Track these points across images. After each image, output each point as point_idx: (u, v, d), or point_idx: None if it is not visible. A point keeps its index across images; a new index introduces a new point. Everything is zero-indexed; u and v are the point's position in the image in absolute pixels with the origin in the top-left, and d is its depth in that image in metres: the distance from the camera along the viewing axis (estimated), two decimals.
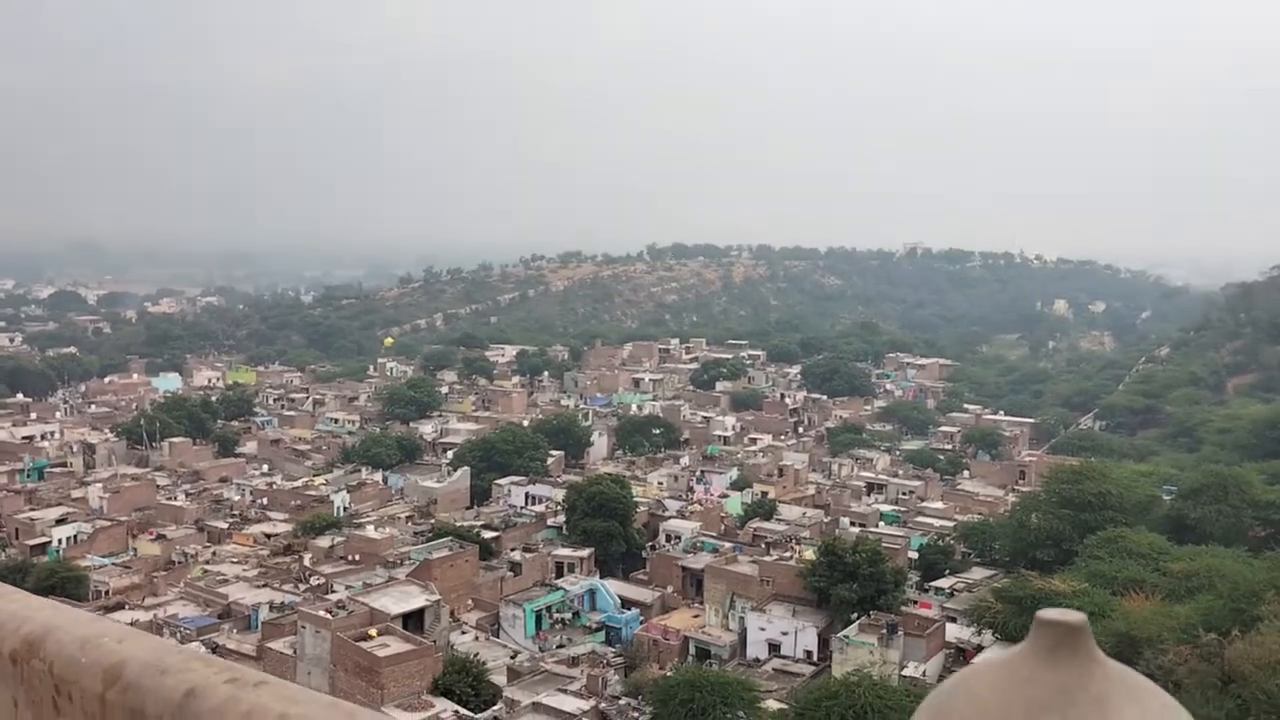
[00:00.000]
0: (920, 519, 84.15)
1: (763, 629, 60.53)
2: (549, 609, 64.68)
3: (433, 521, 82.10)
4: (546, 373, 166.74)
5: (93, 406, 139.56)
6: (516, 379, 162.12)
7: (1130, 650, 39.08)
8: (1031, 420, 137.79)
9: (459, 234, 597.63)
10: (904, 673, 51.92)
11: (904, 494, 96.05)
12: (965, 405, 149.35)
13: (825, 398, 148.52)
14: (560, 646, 61.83)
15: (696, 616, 64.99)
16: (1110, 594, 48.47)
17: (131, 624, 54.30)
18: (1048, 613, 1.91)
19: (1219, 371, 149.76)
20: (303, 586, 64.95)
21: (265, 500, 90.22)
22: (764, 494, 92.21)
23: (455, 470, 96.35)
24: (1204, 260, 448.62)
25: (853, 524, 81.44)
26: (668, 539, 78.88)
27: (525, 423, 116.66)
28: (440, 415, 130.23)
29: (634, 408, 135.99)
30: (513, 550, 73.58)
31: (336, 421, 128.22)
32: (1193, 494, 67.80)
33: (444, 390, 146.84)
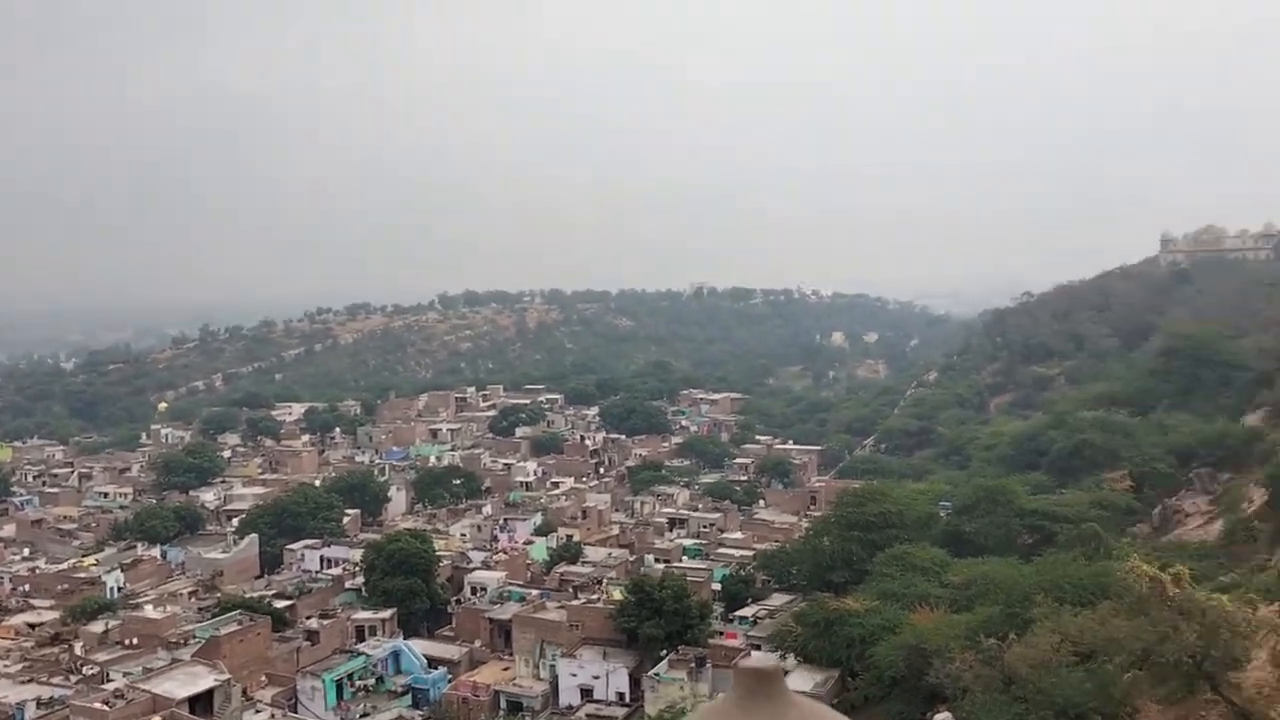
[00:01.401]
0: (722, 550, 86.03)
1: (574, 675, 60.02)
2: (350, 677, 61.68)
3: (219, 595, 76.98)
4: (338, 429, 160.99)
5: None
6: (306, 437, 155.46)
7: (921, 660, 41.21)
8: (818, 447, 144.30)
9: (237, 290, 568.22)
10: None
11: (705, 527, 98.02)
12: (757, 436, 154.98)
13: (624, 437, 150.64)
14: (365, 715, 59.06)
15: (507, 669, 63.73)
16: (900, 609, 50.98)
17: None
18: (745, 661, 2.16)
19: (981, 392, 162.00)
20: (74, 678, 59.15)
21: (28, 587, 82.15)
22: (569, 537, 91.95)
23: (242, 538, 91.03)
24: (963, 289, 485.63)
25: (657, 560, 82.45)
26: (473, 591, 77.19)
27: (317, 482, 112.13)
28: (224, 481, 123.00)
29: (432, 459, 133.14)
30: (309, 618, 69.97)
31: (106, 496, 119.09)
32: (966, 509, 72.49)
33: (226, 454, 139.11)
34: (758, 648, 59.40)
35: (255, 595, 74.55)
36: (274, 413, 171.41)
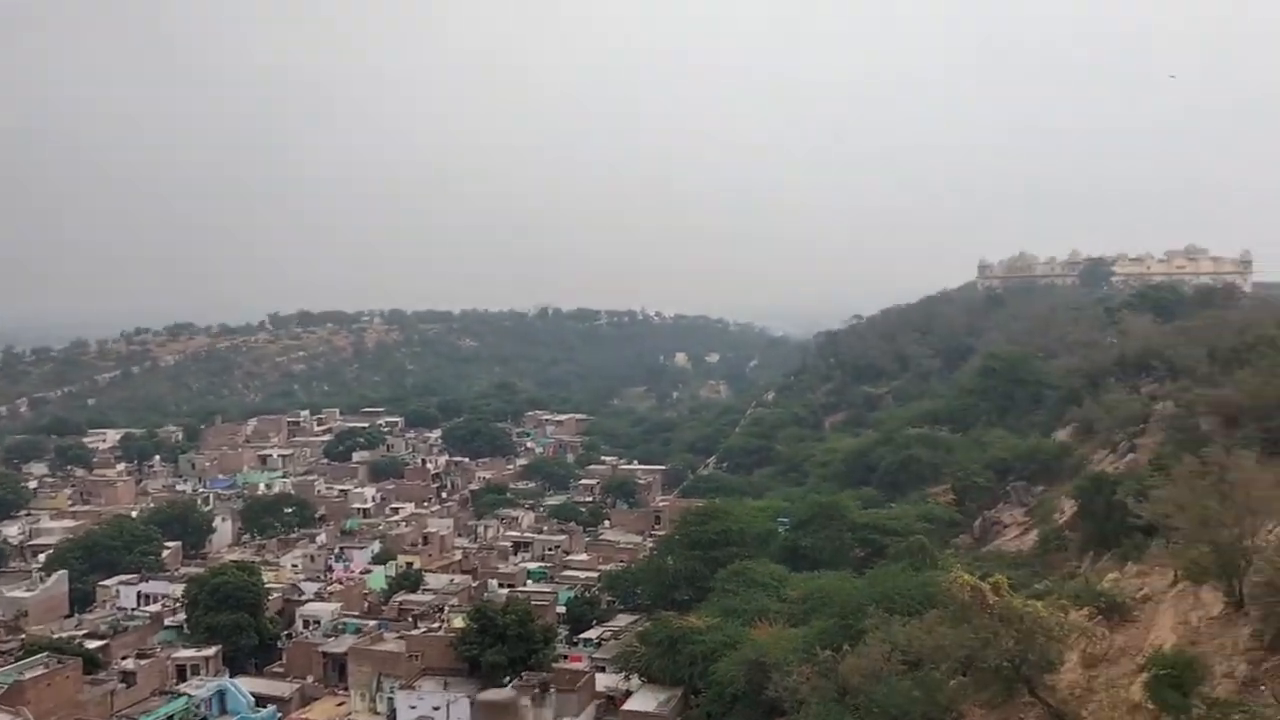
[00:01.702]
0: (567, 573, 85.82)
1: (413, 707, 58.02)
2: (171, 719, 57.94)
3: (23, 636, 70.96)
4: (158, 457, 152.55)
5: None
6: (121, 466, 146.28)
7: (760, 675, 41.84)
8: (663, 467, 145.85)
9: (45, 307, 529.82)
10: None
11: (550, 550, 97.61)
12: (602, 457, 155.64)
13: (468, 460, 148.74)
14: None
15: (341, 704, 61.18)
16: (741, 625, 51.76)
17: None
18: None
19: (817, 411, 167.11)
20: None
21: None
22: (409, 565, 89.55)
23: (49, 575, 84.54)
24: (799, 312, 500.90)
25: (501, 585, 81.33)
26: (305, 625, 73.96)
27: (134, 514, 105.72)
28: (29, 514, 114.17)
29: (262, 487, 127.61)
30: (124, 659, 65.33)
31: None
32: (803, 524, 74.46)
33: (32, 485, 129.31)
34: (603, 670, 59.26)
35: (64, 636, 69.15)
36: (86, 440, 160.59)
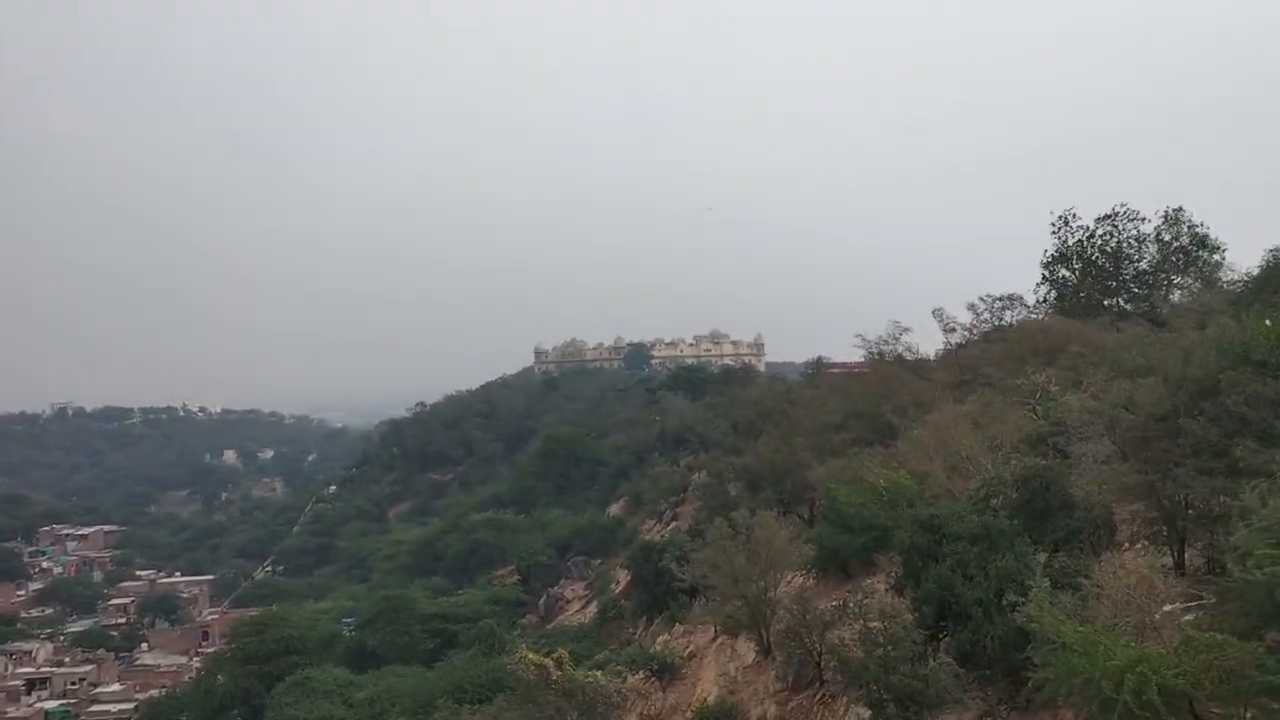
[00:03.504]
0: (96, 708, 77.75)
1: None
2: None
3: None
4: None
5: None
6: None
7: None
8: (210, 577, 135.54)
9: None
10: None
11: (73, 684, 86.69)
12: (138, 572, 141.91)
13: None
14: None
15: None
16: None
17: None
18: None
19: (381, 503, 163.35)
20: None
21: None
22: None
23: None
24: (359, 402, 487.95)
25: None
26: None
27: None
28: None
29: None
30: None
31: None
32: (369, 622, 71.78)
33: None
34: None
35: None
36: None
